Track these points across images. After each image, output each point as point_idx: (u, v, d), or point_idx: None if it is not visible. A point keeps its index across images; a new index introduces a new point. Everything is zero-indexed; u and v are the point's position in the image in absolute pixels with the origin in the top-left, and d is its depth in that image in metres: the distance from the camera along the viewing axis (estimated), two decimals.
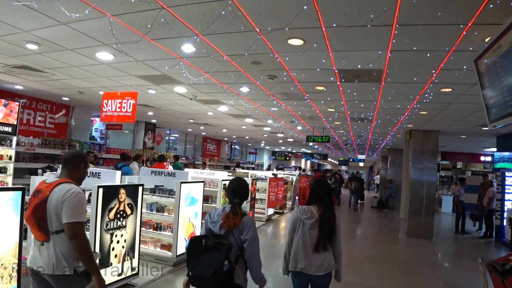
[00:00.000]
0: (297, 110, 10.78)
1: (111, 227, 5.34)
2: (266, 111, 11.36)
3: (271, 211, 14.24)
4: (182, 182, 7.12)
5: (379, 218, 17.80)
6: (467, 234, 13.38)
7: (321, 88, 7.67)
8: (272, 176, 15.35)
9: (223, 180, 9.12)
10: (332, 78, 6.81)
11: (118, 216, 5.47)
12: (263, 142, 27.37)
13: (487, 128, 11.22)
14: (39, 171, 7.47)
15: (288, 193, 18.62)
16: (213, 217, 3.42)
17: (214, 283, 3.05)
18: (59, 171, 6.15)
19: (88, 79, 8.56)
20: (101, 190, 5.14)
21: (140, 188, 5.97)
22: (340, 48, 5.45)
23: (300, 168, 29.17)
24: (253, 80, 7.38)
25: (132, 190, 5.78)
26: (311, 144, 25.17)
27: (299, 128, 15.57)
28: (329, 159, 49.28)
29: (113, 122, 7.31)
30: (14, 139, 10.82)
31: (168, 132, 22.29)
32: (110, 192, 5.34)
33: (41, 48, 6.51)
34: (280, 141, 24.42)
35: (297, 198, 19.43)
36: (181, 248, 7.36)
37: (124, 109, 7.06)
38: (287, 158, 38.47)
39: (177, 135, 23.49)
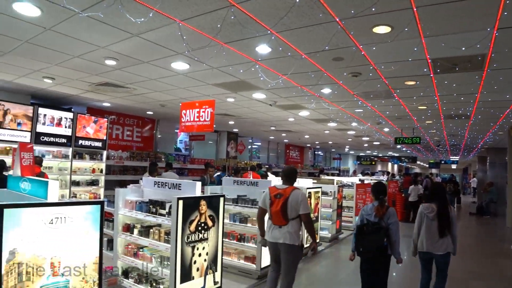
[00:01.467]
0: (384, 110, 9.99)
1: (192, 239, 5.12)
2: (350, 114, 10.70)
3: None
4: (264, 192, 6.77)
5: (480, 226, 16.09)
6: None
7: (412, 82, 6.90)
8: (359, 182, 14.52)
9: (308, 188, 8.65)
10: (425, 70, 6.03)
11: (199, 228, 5.24)
12: (347, 146, 26.41)
13: None
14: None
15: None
16: (367, 211, 4.91)
17: (378, 253, 4.66)
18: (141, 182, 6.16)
19: (167, 91, 8.62)
20: (181, 202, 4.93)
21: (222, 199, 5.70)
22: (435, 32, 4.75)
23: (388, 173, 27.61)
24: (335, 79, 6.86)
25: (213, 201, 5.53)
26: (398, 146, 23.77)
27: (386, 130, 14.60)
28: (418, 162, 46.40)
29: (195, 132, 7.19)
30: (104, 153, 11.37)
31: (250, 140, 22.30)
32: (190, 204, 5.12)
33: (119, 64, 6.59)
34: (366, 144, 23.33)
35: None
36: (266, 260, 6.97)
37: (202, 118, 6.92)
38: (373, 163, 36.78)
39: (259, 144, 23.44)
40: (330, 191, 10.68)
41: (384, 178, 20.89)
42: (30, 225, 3.06)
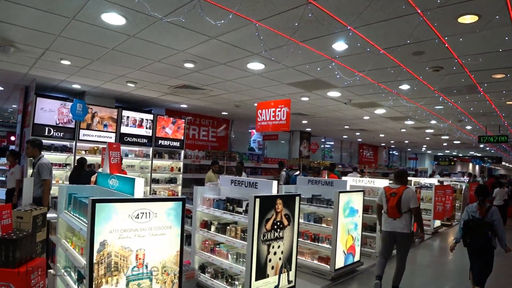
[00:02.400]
0: (467, 107, 9.31)
1: (268, 238, 5.11)
2: (430, 111, 10.12)
3: (437, 223, 12.66)
4: (340, 192, 6.62)
5: None
6: None
7: (500, 75, 6.32)
8: (438, 184, 13.72)
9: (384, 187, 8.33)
10: None
11: (275, 227, 5.22)
12: (424, 146, 25.10)
13: None
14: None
15: (457, 203, 16.53)
16: (472, 208, 5.55)
17: (484, 244, 5.29)
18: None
19: (243, 92, 8.71)
20: (257, 200, 4.94)
21: (297, 198, 5.64)
22: None
23: (470, 174, 25.87)
24: (414, 75, 6.50)
25: (289, 200, 5.49)
26: (482, 146, 22.18)
27: (468, 127, 13.62)
28: (504, 163, 43.03)
29: (268, 132, 7.21)
30: (182, 152, 11.80)
31: (323, 140, 22.00)
32: (267, 203, 5.12)
33: (197, 66, 6.76)
34: (445, 144, 22.02)
35: None
36: (340, 261, 6.81)
37: (278, 117, 6.90)
38: (452, 163, 34.72)
39: (332, 143, 23.05)
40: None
41: (465, 179, 19.62)
42: (118, 219, 3.23)
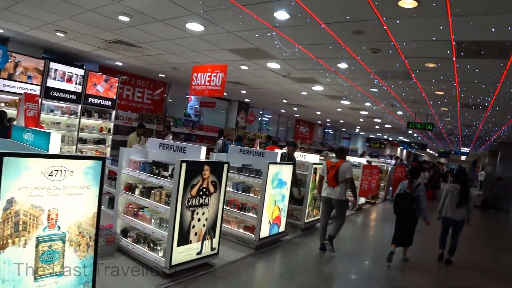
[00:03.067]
0: (400, 92, 9.74)
1: (193, 204, 5.09)
2: (365, 92, 10.47)
3: (362, 200, 13.33)
4: (270, 163, 6.70)
5: (484, 220, 16.01)
6: None
7: (432, 65, 6.64)
8: (366, 164, 14.38)
9: (314, 164, 8.59)
10: (448, 52, 5.76)
11: (201, 193, 5.20)
12: (358, 127, 26.12)
13: None
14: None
15: (382, 183, 17.48)
16: (404, 185, 7.08)
17: (410, 214, 6.80)
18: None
19: (181, 54, 8.44)
20: (184, 165, 4.88)
21: (226, 166, 5.64)
22: (464, 11, 4.48)
23: (397, 157, 27.38)
24: (353, 54, 6.64)
25: (217, 168, 5.47)
26: (410, 132, 23.46)
27: (400, 113, 14.31)
28: (428, 150, 45.99)
29: (206, 98, 7.07)
30: (113, 113, 11.33)
31: (261, 112, 22.13)
32: (194, 168, 5.06)
33: (133, 20, 6.42)
34: (377, 126, 23.04)
35: (391, 188, 18.21)
36: (265, 231, 6.98)
37: (213, 82, 6.77)
38: (382, 146, 36.53)
39: (270, 116, 23.26)
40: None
41: (391, 162, 20.73)
42: (29, 175, 3.00)
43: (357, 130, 29.76)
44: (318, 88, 10.73)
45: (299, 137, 26.01)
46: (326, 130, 31.65)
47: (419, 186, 6.97)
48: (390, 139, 36.53)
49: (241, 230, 7.11)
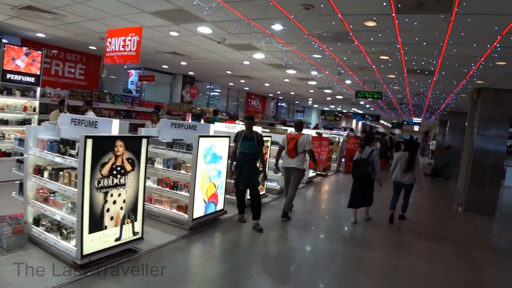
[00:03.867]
0: (343, 57, 9.39)
1: (105, 185, 4.56)
2: (307, 59, 10.05)
3: (311, 173, 13.17)
4: (200, 136, 6.23)
5: (433, 188, 16.39)
6: None
7: (372, 23, 6.26)
8: (316, 135, 14.21)
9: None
10: (384, 4, 5.33)
11: (115, 172, 4.68)
12: (311, 99, 25.95)
13: None
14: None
15: (334, 155, 17.47)
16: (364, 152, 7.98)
17: (366, 177, 7.84)
18: None
19: (100, 20, 7.63)
20: (89, 141, 4.31)
21: (144, 141, 5.11)
22: None
23: (352, 129, 27.59)
24: (284, 11, 6.15)
25: (133, 143, 4.94)
26: (362, 103, 23.57)
27: (348, 82, 14.09)
28: (382, 121, 46.99)
29: (116, 63, 6.42)
30: (38, 90, 10.33)
31: (209, 86, 21.45)
32: (103, 144, 4.52)
33: None
34: (329, 98, 22.94)
35: (343, 160, 18.27)
36: (199, 210, 6.57)
37: (127, 47, 6.12)
38: (337, 118, 36.89)
39: (219, 90, 22.61)
40: None
41: (344, 134, 20.82)
42: None
43: (310, 102, 29.66)
44: (259, 56, 10.22)
45: (251, 111, 25.59)
46: (279, 104, 31.37)
47: (373, 152, 7.98)
48: (344, 111, 36.83)
49: (174, 211, 6.68)
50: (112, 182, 4.65)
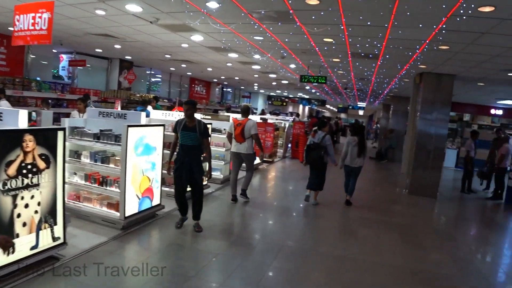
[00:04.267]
0: (285, 39, 9.02)
1: (12, 186, 3.94)
2: (248, 41, 9.56)
3: (257, 160, 12.84)
4: (129, 126, 5.66)
5: (377, 171, 16.68)
6: (473, 193, 12.35)
7: (314, 2, 5.91)
8: (260, 121, 13.88)
9: None
10: None
11: (24, 171, 4.06)
12: (256, 84, 25.58)
13: None
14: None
15: (280, 140, 17.27)
16: (312, 138, 8.55)
17: (318, 161, 8.27)
18: None
19: None
20: None
21: (61, 133, 4.50)
22: None
23: (298, 114, 27.58)
24: None
25: (46, 136, 4.33)
26: (307, 87, 23.52)
27: (292, 66, 13.82)
28: (328, 106, 47.66)
29: (28, 44, 5.66)
30: None
31: (150, 72, 20.53)
32: (7, 139, 3.88)
33: None
34: (274, 83, 22.68)
35: (290, 145, 18.14)
36: (133, 207, 6.05)
37: (38, 26, 5.37)
38: (284, 104, 36.84)
39: (160, 76, 21.70)
40: (224, 129, 9.84)
41: (289, 119, 20.73)
42: None
43: (255, 87, 29.33)
44: (197, 38, 9.60)
45: (195, 97, 24.91)
46: (224, 89, 30.80)
47: (325, 136, 8.44)
48: (291, 96, 36.83)
49: (104, 209, 6.09)
50: (22, 183, 4.03)
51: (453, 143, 20.02)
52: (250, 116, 8.26)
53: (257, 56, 11.92)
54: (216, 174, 9.76)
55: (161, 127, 6.52)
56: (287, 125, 17.70)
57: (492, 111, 20.79)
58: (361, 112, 51.79)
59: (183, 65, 16.77)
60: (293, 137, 17.79)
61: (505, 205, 11.12)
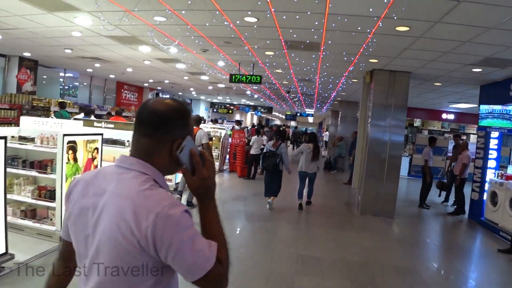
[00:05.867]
0: (196, 22, 7.14)
1: None
2: (149, 24, 7.52)
3: (180, 176, 10.77)
4: None
5: (326, 183, 15.30)
6: (427, 207, 11.31)
7: None
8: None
9: (66, 135, 5.88)
10: None
11: None
12: (192, 89, 23.53)
13: (480, 70, 8.43)
14: None
15: (215, 152, 15.38)
16: (269, 145, 9.65)
17: (273, 168, 9.31)
18: None
19: None
20: None
21: None
22: None
23: (239, 122, 25.78)
24: None
25: None
26: (248, 92, 21.87)
27: (221, 64, 11.89)
28: (275, 113, 46.43)
29: None
30: None
31: (63, 74, 18.03)
32: None
33: None
34: (210, 87, 20.77)
35: (227, 157, 16.31)
36: None
37: None
38: (230, 111, 35.08)
39: (78, 78, 19.19)
40: (128, 141, 7.91)
41: (228, 127, 19.10)
42: None
43: (194, 93, 27.32)
44: (83, 21, 7.32)
45: (124, 104, 22.66)
46: (160, 95, 28.53)
47: (281, 145, 9.40)
48: (235, 102, 35.08)
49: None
50: None
51: (405, 150, 19.14)
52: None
53: (173, 50, 9.87)
54: None
55: (2, 141, 4.49)
56: (223, 135, 15.87)
57: (444, 116, 20.34)
58: (310, 120, 50.90)
59: (97, 65, 14.47)
60: (231, 148, 15.99)
61: (468, 220, 10.15)
